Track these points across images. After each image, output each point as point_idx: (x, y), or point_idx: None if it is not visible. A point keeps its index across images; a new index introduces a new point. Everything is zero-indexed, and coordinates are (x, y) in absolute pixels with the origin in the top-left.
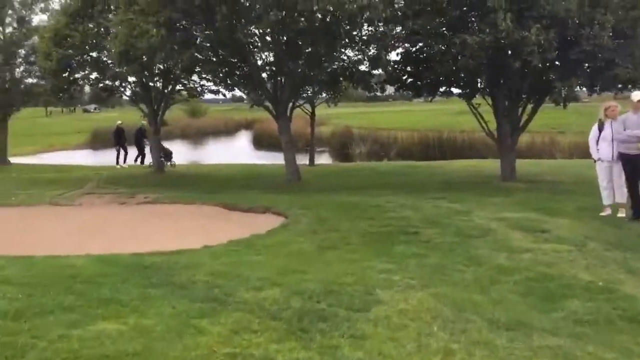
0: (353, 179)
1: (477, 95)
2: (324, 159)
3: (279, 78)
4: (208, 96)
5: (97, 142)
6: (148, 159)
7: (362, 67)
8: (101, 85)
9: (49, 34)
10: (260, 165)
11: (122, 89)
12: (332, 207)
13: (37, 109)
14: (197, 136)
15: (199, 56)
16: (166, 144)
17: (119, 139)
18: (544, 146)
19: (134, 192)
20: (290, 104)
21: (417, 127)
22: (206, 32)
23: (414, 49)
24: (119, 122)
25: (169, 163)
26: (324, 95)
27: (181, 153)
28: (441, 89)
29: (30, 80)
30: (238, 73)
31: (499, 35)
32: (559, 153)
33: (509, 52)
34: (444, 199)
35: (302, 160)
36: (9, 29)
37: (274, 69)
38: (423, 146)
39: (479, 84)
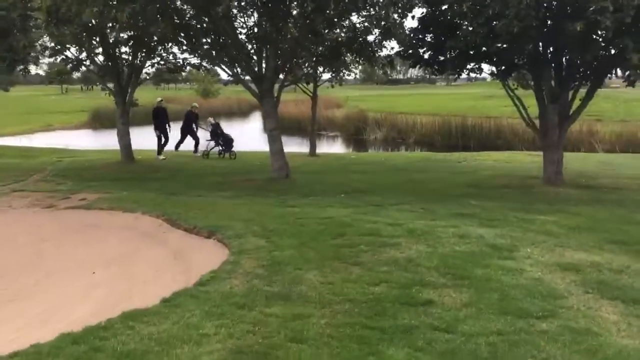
0: (356, 177)
1: (514, 74)
2: (335, 146)
3: (260, 47)
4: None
5: (97, 122)
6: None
7: (371, 38)
8: (62, 57)
9: None
10: (254, 154)
11: (87, 62)
12: (307, 232)
13: (52, 86)
14: (207, 118)
15: (147, 16)
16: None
17: (158, 120)
18: (582, 136)
19: (77, 190)
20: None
21: (439, 111)
22: None
23: (436, 11)
24: (159, 99)
25: (228, 154)
26: (325, 72)
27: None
28: (469, 65)
29: None
30: (208, 40)
31: None
32: (599, 144)
33: (568, 11)
34: (472, 217)
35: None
36: None
37: (256, 34)
38: (445, 133)
39: (518, 59)
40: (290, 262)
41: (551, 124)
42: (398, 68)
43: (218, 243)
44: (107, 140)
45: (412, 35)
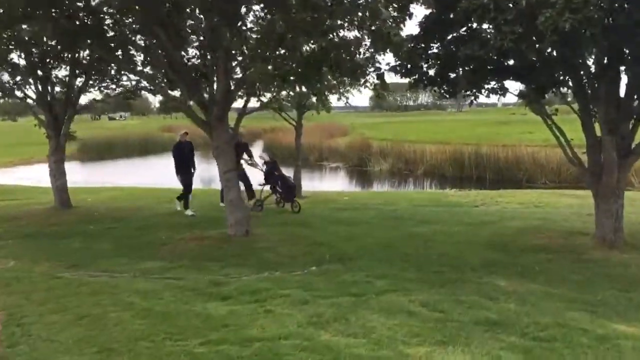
0: (342, 231)
1: (550, 94)
2: (335, 180)
3: (207, 62)
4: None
5: (85, 153)
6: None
7: (362, 50)
8: None
9: None
10: None
11: (19, 87)
12: None
13: None
14: (207, 147)
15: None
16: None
17: (181, 159)
18: None
19: None
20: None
21: (449, 139)
22: None
23: (445, 7)
24: (183, 131)
25: (290, 204)
26: (307, 95)
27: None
28: (488, 84)
29: None
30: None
31: None
32: (636, 178)
33: None
34: (509, 329)
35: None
36: None
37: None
38: (457, 164)
39: (559, 73)
40: None
41: (609, 162)
42: (409, 95)
43: None
44: (84, 175)
45: (411, 44)
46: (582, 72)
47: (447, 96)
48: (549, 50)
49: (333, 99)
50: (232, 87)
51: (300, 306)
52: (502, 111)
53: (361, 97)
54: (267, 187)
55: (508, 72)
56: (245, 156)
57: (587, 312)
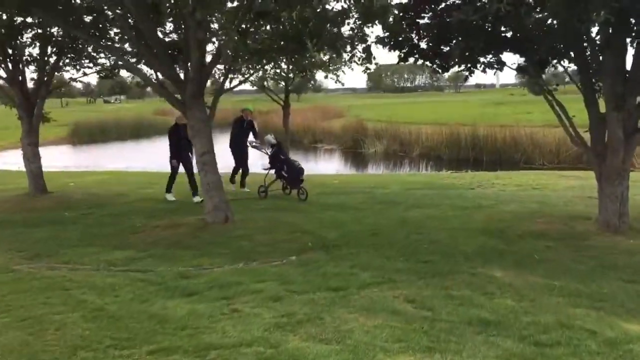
0: (329, 216)
1: (550, 67)
2: (329, 163)
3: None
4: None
5: (77, 137)
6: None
7: (349, 22)
8: None
9: None
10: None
11: None
12: None
13: (57, 99)
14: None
15: None
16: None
17: (177, 143)
18: None
19: None
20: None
21: (446, 120)
22: None
23: None
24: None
25: (297, 191)
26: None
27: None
28: (484, 58)
29: None
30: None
31: None
32: (636, 158)
33: None
34: (504, 330)
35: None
36: None
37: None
38: (453, 145)
39: (561, 43)
40: None
41: (614, 140)
42: (406, 75)
43: None
44: (75, 159)
45: (400, 13)
46: (585, 44)
47: (440, 71)
48: (549, 21)
49: (323, 78)
50: (207, 62)
51: (272, 304)
52: (500, 92)
53: (359, 78)
54: (272, 172)
55: (505, 44)
56: (251, 137)
57: (593, 308)
